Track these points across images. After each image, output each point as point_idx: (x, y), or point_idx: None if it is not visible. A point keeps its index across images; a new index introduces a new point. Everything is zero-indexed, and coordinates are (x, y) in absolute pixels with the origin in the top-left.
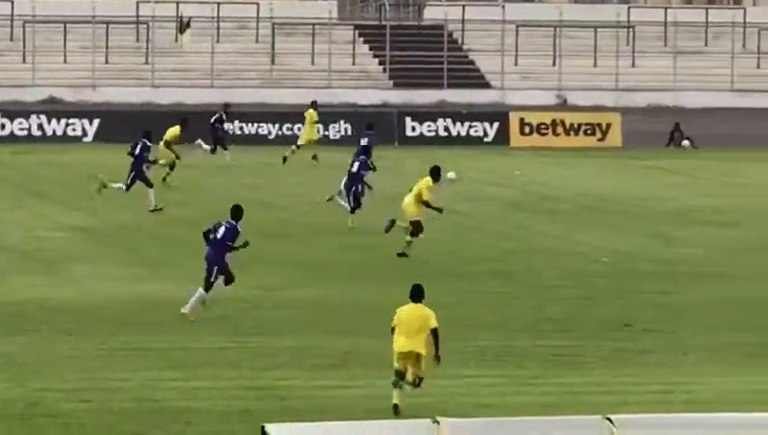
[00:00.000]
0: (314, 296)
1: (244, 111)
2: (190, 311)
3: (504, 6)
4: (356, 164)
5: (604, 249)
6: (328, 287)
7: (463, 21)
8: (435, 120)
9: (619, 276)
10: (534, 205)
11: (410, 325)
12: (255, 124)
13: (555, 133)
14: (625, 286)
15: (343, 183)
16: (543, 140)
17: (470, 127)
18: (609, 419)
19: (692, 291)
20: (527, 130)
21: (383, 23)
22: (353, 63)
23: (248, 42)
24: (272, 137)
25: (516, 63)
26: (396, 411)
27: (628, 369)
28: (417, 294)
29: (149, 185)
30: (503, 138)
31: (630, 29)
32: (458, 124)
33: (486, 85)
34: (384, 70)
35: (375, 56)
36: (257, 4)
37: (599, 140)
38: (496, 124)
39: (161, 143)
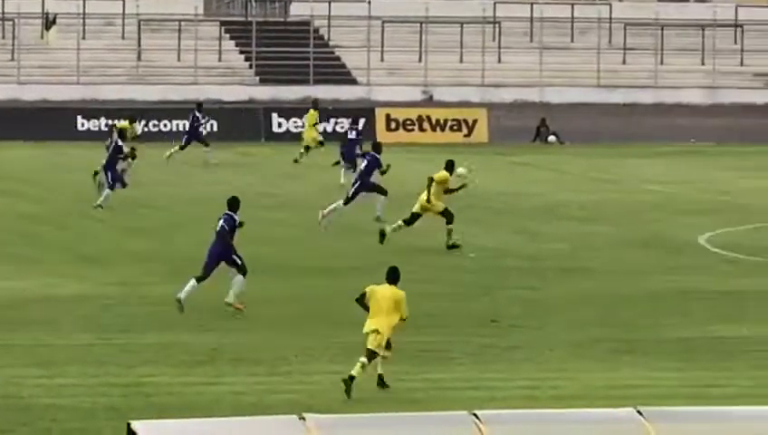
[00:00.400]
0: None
1: (109, 108)
2: (234, 301)
3: (369, 2)
4: (363, 163)
5: (471, 245)
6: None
7: (329, 17)
8: (301, 117)
9: (486, 272)
10: (402, 200)
11: (380, 305)
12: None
13: (421, 129)
14: (492, 282)
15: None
16: (410, 135)
17: (336, 123)
18: (475, 414)
19: (558, 287)
20: (393, 125)
21: (249, 19)
22: (219, 60)
23: (114, 38)
24: (138, 133)
25: (382, 59)
26: (349, 385)
27: (495, 365)
28: (392, 277)
29: (122, 184)
30: (369, 134)
31: (496, 25)
32: (324, 120)
33: (352, 81)
34: (250, 66)
35: (241, 52)
36: (123, 0)
37: (465, 135)
38: (362, 120)
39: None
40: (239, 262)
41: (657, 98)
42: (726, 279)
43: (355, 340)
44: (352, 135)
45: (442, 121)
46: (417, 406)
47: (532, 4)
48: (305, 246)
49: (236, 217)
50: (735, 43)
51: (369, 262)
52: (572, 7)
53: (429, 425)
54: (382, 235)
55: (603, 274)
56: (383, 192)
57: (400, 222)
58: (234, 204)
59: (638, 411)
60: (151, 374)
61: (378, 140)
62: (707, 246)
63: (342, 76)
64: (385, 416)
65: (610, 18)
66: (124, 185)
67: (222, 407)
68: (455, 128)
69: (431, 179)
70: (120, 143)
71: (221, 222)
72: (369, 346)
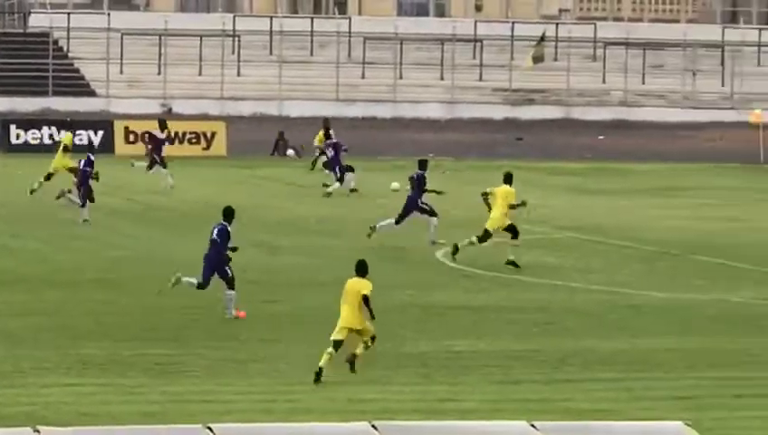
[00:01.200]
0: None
1: None
2: (235, 312)
3: (109, 15)
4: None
5: None
6: None
7: (68, 29)
8: (40, 128)
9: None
10: (142, 213)
11: (347, 296)
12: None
13: None
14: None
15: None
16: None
17: (75, 135)
18: (209, 428)
19: (296, 300)
20: (132, 138)
21: None
22: None
23: None
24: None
25: (122, 72)
26: (318, 376)
27: (232, 378)
28: (359, 269)
29: (91, 200)
30: (108, 146)
31: (236, 38)
32: (63, 132)
33: (91, 93)
34: None
35: None
36: None
37: (204, 148)
38: (101, 132)
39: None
40: (229, 274)
41: (395, 112)
42: (465, 294)
43: (90, 353)
44: (331, 152)
45: (181, 134)
46: (153, 419)
47: (271, 17)
48: (44, 259)
49: (230, 228)
50: (474, 57)
51: (111, 275)
52: (312, 21)
53: None
54: (455, 249)
55: (339, 287)
56: (434, 214)
57: (474, 238)
58: (229, 214)
59: (373, 426)
60: None
61: (422, 158)
62: (446, 262)
63: (81, 88)
64: (119, 428)
65: (350, 32)
66: (92, 200)
67: None
68: (193, 141)
69: (486, 194)
70: (92, 159)
71: (215, 231)
72: (337, 337)
